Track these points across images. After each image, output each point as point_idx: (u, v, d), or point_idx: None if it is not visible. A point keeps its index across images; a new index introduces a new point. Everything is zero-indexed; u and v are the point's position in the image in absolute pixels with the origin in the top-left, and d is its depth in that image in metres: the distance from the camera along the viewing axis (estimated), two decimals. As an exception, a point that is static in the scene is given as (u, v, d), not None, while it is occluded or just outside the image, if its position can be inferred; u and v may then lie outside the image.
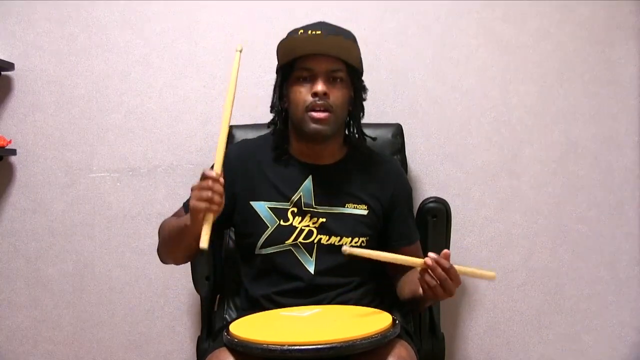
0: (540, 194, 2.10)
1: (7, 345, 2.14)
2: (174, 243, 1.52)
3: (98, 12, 2.10)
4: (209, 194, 1.34)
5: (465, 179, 2.09)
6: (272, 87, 1.64)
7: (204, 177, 1.36)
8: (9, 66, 2.08)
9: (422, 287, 1.41)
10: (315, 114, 1.52)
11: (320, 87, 1.51)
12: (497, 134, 2.10)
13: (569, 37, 2.09)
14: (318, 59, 1.52)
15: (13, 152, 2.09)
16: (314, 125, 1.52)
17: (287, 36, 1.59)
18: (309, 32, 1.53)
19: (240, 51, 1.47)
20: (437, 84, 2.09)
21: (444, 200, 1.86)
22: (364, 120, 1.70)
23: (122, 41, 2.10)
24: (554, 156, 2.10)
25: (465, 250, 2.08)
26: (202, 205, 1.34)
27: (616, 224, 2.10)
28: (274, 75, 1.64)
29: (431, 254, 1.37)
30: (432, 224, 1.83)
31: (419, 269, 1.39)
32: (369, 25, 2.07)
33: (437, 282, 1.36)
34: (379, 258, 1.39)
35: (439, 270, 1.36)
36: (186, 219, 1.42)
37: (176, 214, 1.62)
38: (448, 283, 1.37)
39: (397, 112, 2.07)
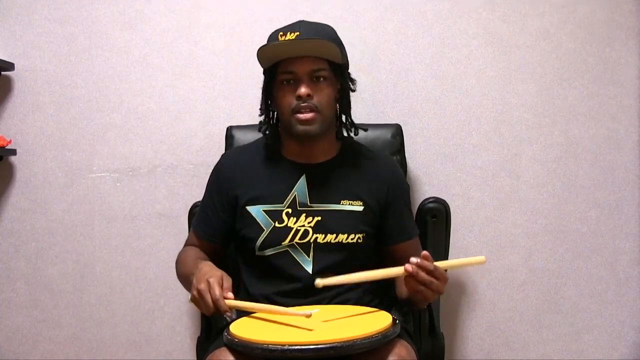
0: (540, 194, 2.10)
1: (7, 345, 2.14)
2: (184, 285, 1.62)
3: (98, 12, 2.10)
4: (203, 308, 1.39)
5: (465, 179, 2.09)
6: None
7: (215, 303, 1.37)
8: (9, 66, 2.08)
9: (410, 293, 1.42)
10: (301, 116, 1.53)
11: (303, 89, 1.52)
12: (497, 134, 2.10)
13: (569, 37, 2.09)
14: (299, 61, 1.53)
15: (13, 152, 2.09)
16: (301, 127, 1.54)
17: (268, 39, 1.59)
18: (288, 33, 1.54)
19: None
20: (437, 84, 2.09)
21: (444, 200, 1.86)
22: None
23: (122, 41, 2.11)
24: (554, 156, 2.10)
25: (465, 250, 2.08)
26: (197, 304, 1.41)
27: (616, 224, 2.10)
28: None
29: (412, 259, 1.37)
30: (432, 224, 1.83)
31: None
32: (369, 25, 2.07)
33: (423, 286, 1.36)
34: (352, 281, 1.42)
35: (422, 274, 1.36)
36: (192, 274, 1.46)
37: (189, 242, 1.71)
38: (434, 284, 1.37)
39: (396, 112, 2.07)
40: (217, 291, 1.36)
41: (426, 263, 1.36)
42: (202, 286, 1.38)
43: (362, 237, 1.58)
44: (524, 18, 2.08)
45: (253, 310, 1.44)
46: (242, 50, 2.09)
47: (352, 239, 1.57)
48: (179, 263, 1.67)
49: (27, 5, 2.10)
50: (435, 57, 2.09)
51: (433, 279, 1.36)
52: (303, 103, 1.52)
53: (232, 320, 1.42)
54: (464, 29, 2.09)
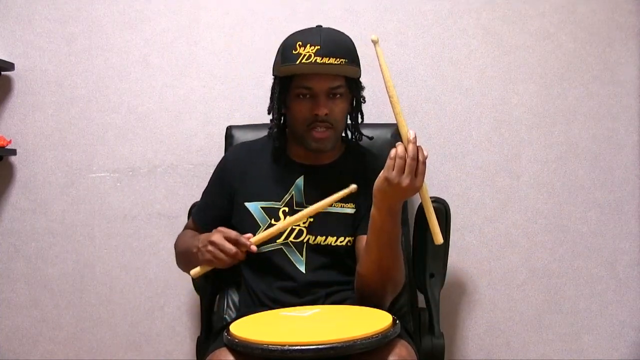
0: (540, 194, 2.10)
1: (7, 345, 2.14)
2: (185, 263, 1.63)
3: (98, 12, 2.10)
4: (224, 258, 1.42)
5: (465, 179, 2.09)
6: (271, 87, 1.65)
7: (237, 242, 1.42)
8: (9, 66, 2.08)
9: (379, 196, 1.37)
10: (317, 134, 1.55)
11: (321, 109, 1.53)
12: (497, 134, 2.10)
13: (569, 37, 2.09)
14: (318, 78, 1.53)
15: (13, 152, 2.09)
16: (315, 144, 1.56)
17: (285, 47, 1.56)
18: (308, 45, 1.51)
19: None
20: (437, 84, 2.09)
21: (444, 200, 1.85)
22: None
23: (122, 41, 2.11)
24: (554, 156, 2.10)
25: (465, 250, 2.08)
26: (211, 262, 1.45)
27: (616, 224, 2.10)
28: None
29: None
30: (432, 224, 1.82)
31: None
32: (369, 25, 2.07)
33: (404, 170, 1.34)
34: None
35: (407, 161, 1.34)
36: (194, 245, 1.49)
37: (187, 226, 1.74)
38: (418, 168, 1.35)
39: (397, 112, 2.06)
40: (233, 233, 1.42)
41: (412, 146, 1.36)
42: (215, 237, 1.42)
43: (352, 240, 1.58)
44: (524, 18, 2.08)
45: (279, 231, 1.50)
46: (242, 51, 2.09)
47: (340, 242, 1.57)
48: (177, 244, 1.69)
49: (27, 5, 2.10)
50: (435, 57, 2.09)
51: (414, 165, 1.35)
52: (320, 121, 1.54)
53: (240, 317, 1.43)
54: (464, 29, 2.09)
